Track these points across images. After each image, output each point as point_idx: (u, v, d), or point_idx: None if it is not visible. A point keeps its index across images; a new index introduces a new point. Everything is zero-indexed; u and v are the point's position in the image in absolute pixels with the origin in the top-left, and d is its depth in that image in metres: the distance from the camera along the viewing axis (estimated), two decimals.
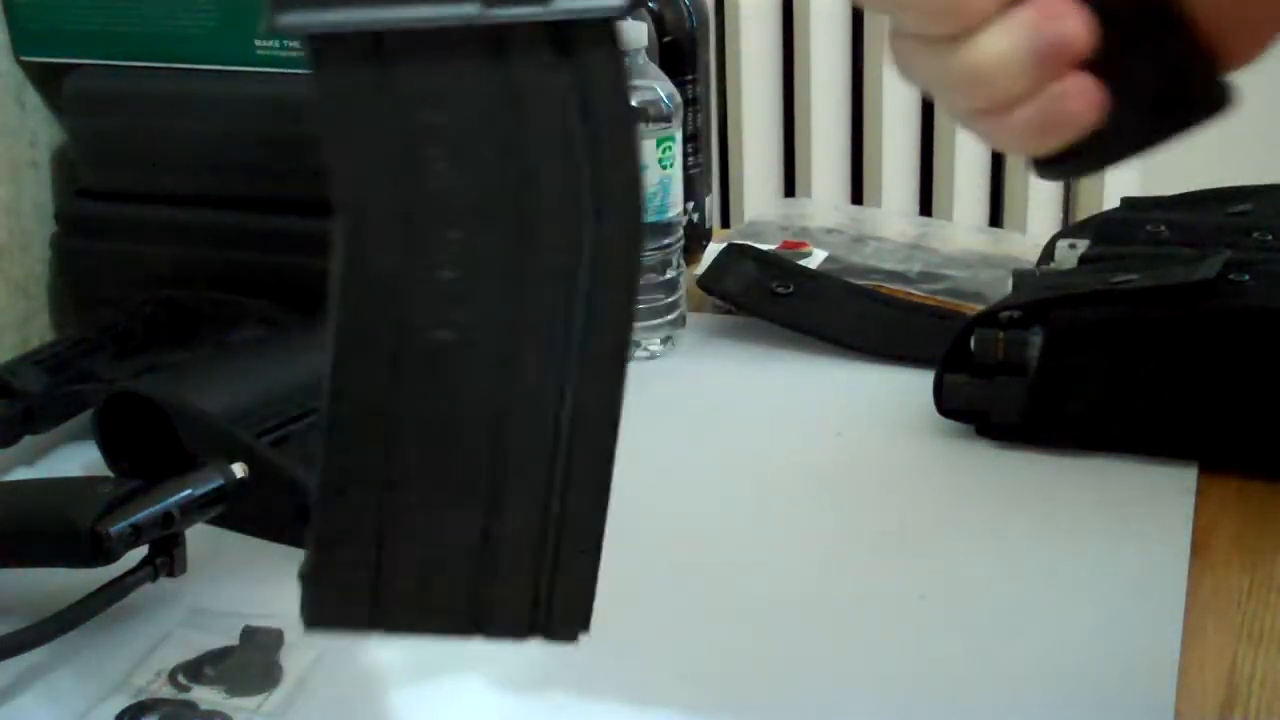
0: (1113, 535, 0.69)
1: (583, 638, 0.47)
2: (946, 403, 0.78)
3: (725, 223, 1.67)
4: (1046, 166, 0.48)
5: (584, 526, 0.47)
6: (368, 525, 0.45)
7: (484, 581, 0.46)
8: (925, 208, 1.75)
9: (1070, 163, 0.47)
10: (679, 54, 1.01)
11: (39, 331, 0.97)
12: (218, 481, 0.65)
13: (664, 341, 0.91)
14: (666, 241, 0.89)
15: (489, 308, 0.44)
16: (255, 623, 0.63)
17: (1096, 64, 0.44)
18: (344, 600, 0.46)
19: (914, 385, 0.82)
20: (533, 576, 0.46)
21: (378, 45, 0.41)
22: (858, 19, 1.71)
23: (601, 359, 0.49)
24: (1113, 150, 0.48)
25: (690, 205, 1.02)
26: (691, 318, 0.94)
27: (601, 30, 0.41)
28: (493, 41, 0.41)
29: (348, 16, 0.41)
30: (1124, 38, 0.44)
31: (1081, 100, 0.43)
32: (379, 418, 0.45)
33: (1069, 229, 0.91)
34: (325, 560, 0.46)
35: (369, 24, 0.41)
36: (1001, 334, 0.76)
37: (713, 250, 0.98)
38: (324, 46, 0.41)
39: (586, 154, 0.43)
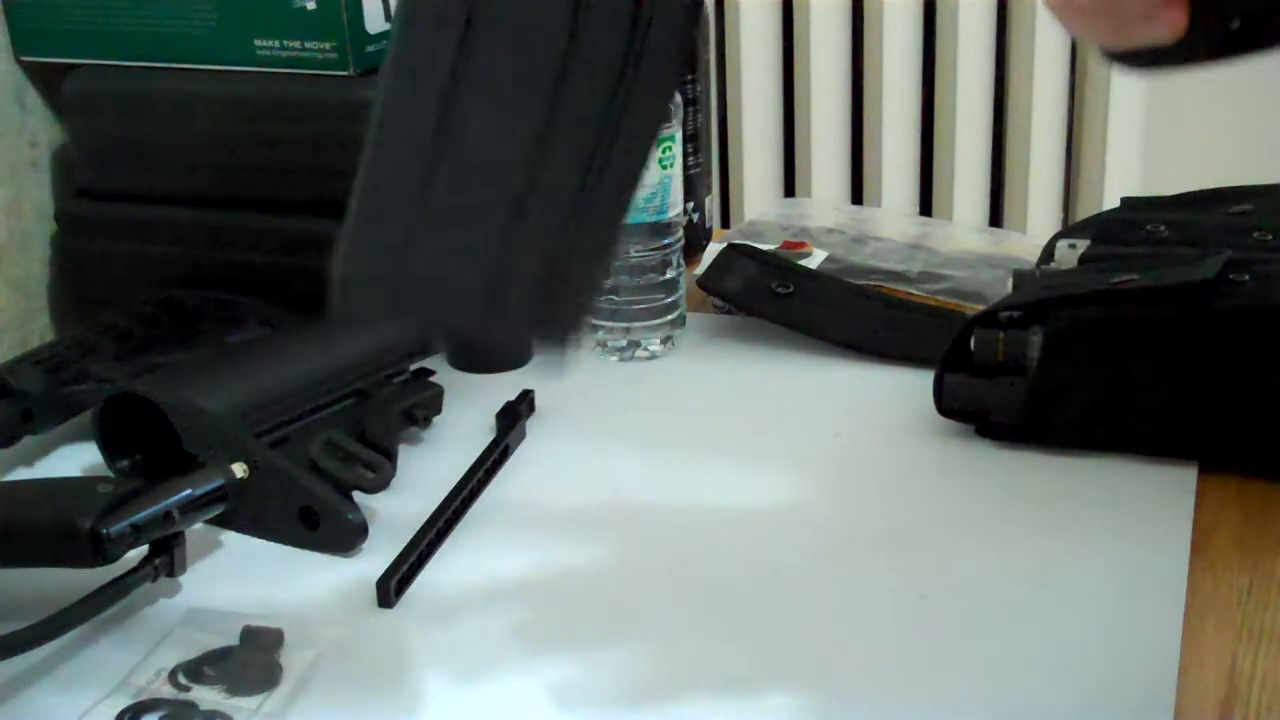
0: (1113, 535, 0.69)
1: (571, 343, 0.52)
2: (946, 403, 0.78)
3: (725, 223, 1.67)
4: (1125, 60, 0.53)
5: (592, 249, 0.52)
6: (401, 212, 0.51)
7: (499, 277, 0.51)
8: (925, 208, 1.75)
9: (1148, 61, 0.52)
10: None
11: (39, 331, 0.97)
12: (218, 481, 0.65)
13: (664, 341, 0.91)
14: (666, 241, 0.89)
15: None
16: (255, 623, 0.63)
17: None
18: (371, 289, 0.52)
19: (914, 385, 0.82)
20: (541, 281, 0.51)
21: None
22: (857, 19, 1.71)
23: (636, 128, 0.52)
24: (1191, 57, 0.53)
25: (690, 205, 1.02)
26: (691, 318, 0.94)
27: None
28: None
29: None
30: None
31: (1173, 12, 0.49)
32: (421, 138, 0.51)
33: (1069, 229, 0.91)
34: (358, 248, 0.52)
35: None
36: (1001, 334, 0.76)
37: (713, 250, 0.98)
38: None
39: None
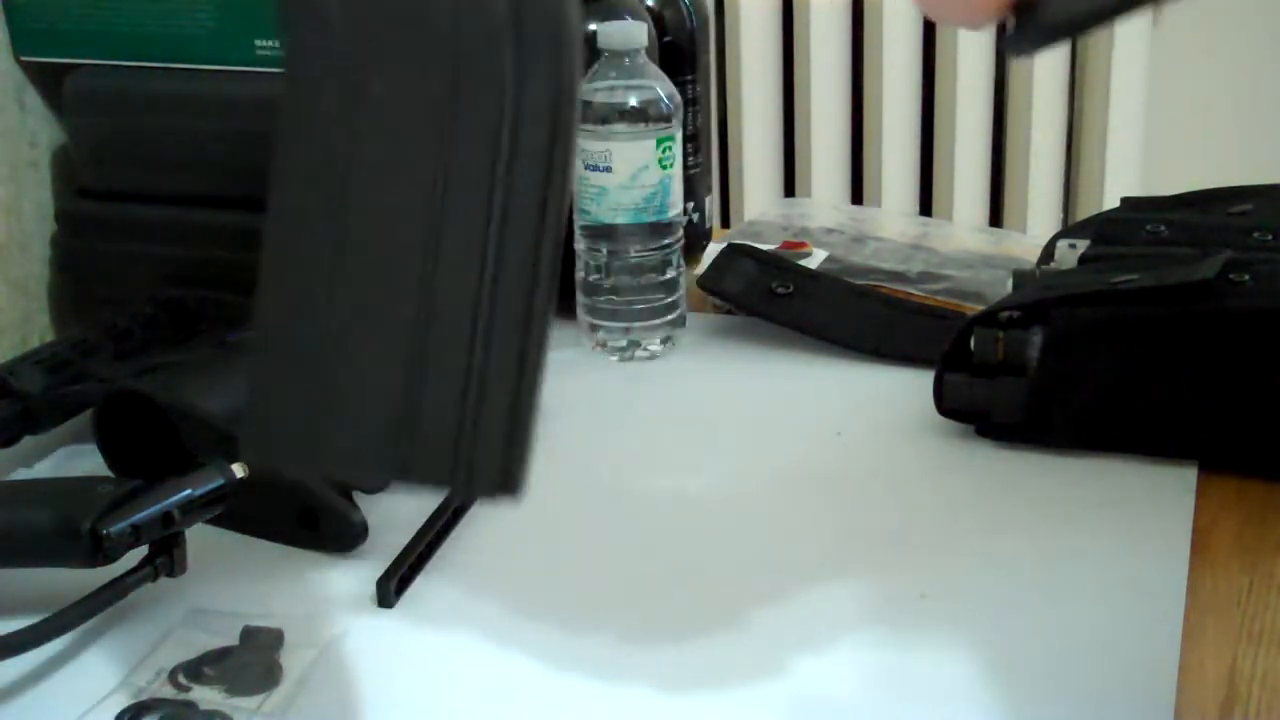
0: (1113, 535, 0.69)
1: (505, 502, 0.50)
2: (946, 403, 0.78)
3: (725, 223, 1.67)
4: (1013, 40, 0.52)
5: (503, 386, 0.48)
6: (305, 373, 0.49)
7: (409, 431, 0.49)
8: (925, 208, 1.75)
9: (1026, 33, 0.52)
10: (679, 54, 1.01)
11: (39, 331, 0.97)
12: (218, 481, 0.65)
13: (664, 341, 0.91)
14: (666, 241, 0.89)
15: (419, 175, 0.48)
16: (255, 623, 0.63)
17: None
18: (285, 440, 0.50)
19: (914, 385, 0.82)
20: (453, 432, 0.48)
21: None
22: (857, 19, 1.71)
23: (521, 219, 0.48)
24: (1066, 20, 0.53)
25: (690, 205, 1.02)
26: (691, 318, 0.94)
27: None
28: None
29: None
30: None
31: None
32: (316, 275, 0.49)
33: (1069, 229, 0.91)
34: (265, 401, 0.50)
35: None
36: (1001, 334, 0.76)
37: (713, 250, 0.98)
38: None
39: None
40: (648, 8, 0.99)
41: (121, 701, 0.59)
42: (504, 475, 0.49)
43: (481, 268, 0.47)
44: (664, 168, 0.88)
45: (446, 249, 0.48)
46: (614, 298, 0.89)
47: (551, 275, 0.47)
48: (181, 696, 0.59)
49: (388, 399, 0.49)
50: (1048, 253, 0.88)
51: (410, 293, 0.48)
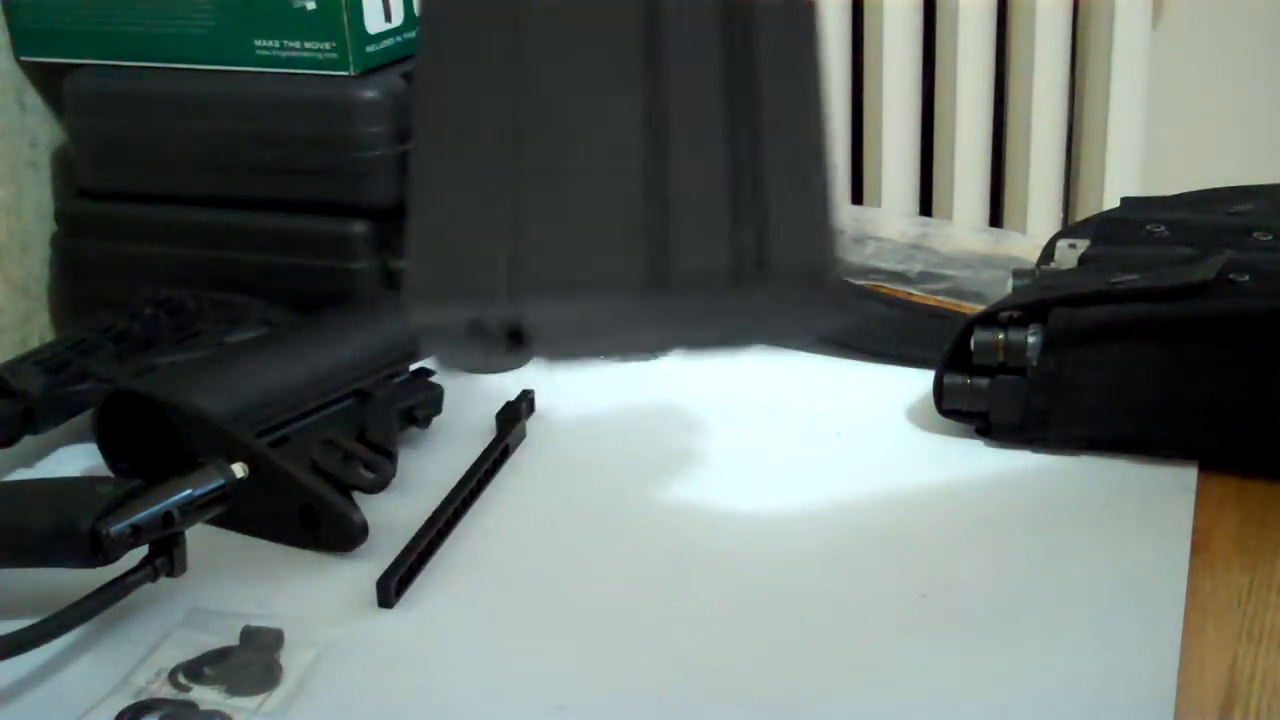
0: (1113, 535, 0.69)
1: (815, 297, 0.39)
2: (946, 403, 0.78)
3: None
4: None
5: (798, 147, 0.39)
6: (489, 173, 0.40)
7: (657, 224, 0.39)
8: (925, 208, 1.75)
9: None
10: None
11: (39, 331, 0.97)
12: (218, 481, 0.65)
13: None
14: None
15: None
16: (255, 623, 0.63)
17: None
18: (467, 263, 0.40)
19: (914, 385, 0.82)
20: (726, 213, 0.39)
21: None
22: (857, 19, 1.71)
23: None
24: None
25: None
26: None
27: None
28: None
29: None
30: None
31: None
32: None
33: (1069, 229, 0.91)
34: (434, 218, 0.40)
35: None
36: (1001, 334, 0.76)
37: None
38: None
39: None
40: None
41: (121, 701, 0.59)
42: (811, 260, 0.39)
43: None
44: None
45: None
46: None
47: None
48: (181, 696, 0.59)
49: (630, 196, 0.39)
50: (1048, 253, 0.88)
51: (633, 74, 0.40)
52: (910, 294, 0.97)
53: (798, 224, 0.39)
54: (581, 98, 0.40)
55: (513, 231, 0.39)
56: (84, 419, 0.78)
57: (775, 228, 0.38)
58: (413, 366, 0.82)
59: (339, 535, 0.69)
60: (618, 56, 0.40)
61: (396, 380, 0.80)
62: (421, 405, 0.79)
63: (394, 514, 0.71)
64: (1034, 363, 0.75)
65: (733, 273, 0.39)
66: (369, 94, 0.86)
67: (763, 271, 0.38)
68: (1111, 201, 1.49)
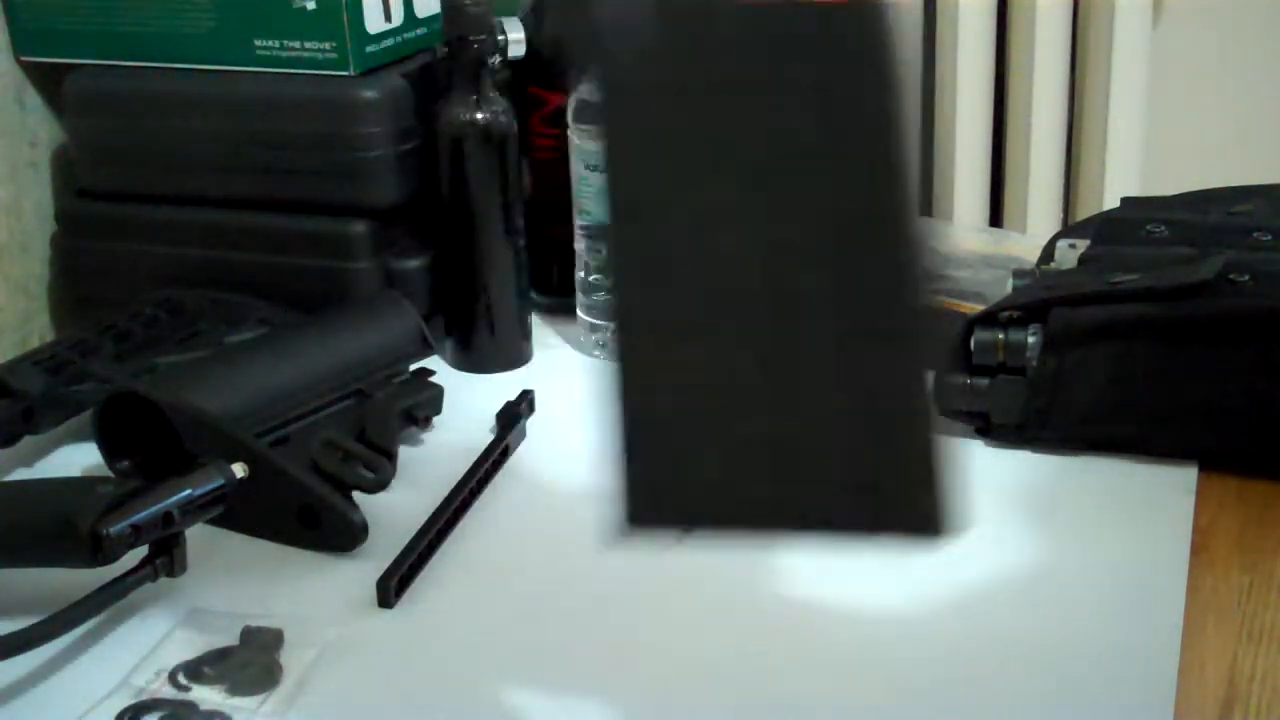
0: (1113, 535, 0.69)
1: (945, 535, 0.44)
2: (946, 403, 0.78)
3: None
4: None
5: (894, 395, 0.44)
6: (669, 421, 0.45)
7: (789, 467, 0.44)
8: (925, 208, 1.75)
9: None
10: None
11: (39, 331, 0.97)
12: (218, 481, 0.65)
13: None
14: None
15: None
16: (255, 623, 0.63)
17: None
18: (655, 500, 0.45)
19: None
20: (851, 456, 0.44)
21: None
22: None
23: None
24: None
25: None
26: None
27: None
28: None
29: None
30: None
31: None
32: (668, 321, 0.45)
33: (1069, 229, 0.91)
34: (634, 460, 0.45)
35: None
36: (1001, 334, 0.76)
37: None
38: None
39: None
40: None
41: (121, 701, 0.59)
42: (929, 509, 0.44)
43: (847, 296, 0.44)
44: None
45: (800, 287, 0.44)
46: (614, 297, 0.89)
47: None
48: (181, 696, 0.59)
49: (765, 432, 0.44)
50: (1048, 253, 0.88)
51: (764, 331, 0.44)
52: None
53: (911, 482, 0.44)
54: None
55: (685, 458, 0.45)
56: (84, 419, 0.78)
57: (901, 494, 0.44)
58: (413, 366, 0.82)
59: (339, 535, 0.69)
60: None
61: (396, 380, 0.80)
62: (421, 405, 0.79)
63: (394, 514, 0.71)
64: (1034, 363, 0.75)
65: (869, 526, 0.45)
66: (369, 94, 0.86)
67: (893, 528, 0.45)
68: (1111, 201, 1.49)
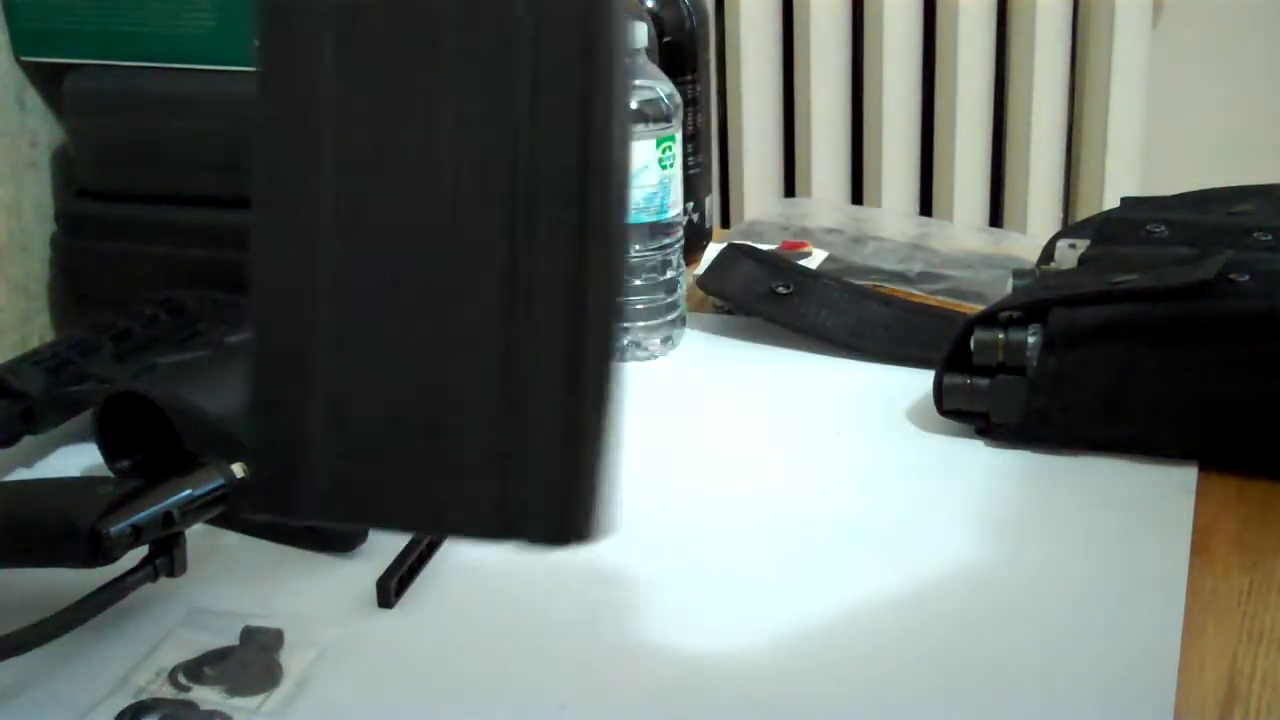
0: (1113, 535, 0.69)
1: (576, 545, 0.43)
2: (946, 403, 0.78)
3: (725, 223, 1.67)
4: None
5: (551, 413, 0.43)
6: (309, 403, 0.44)
7: (438, 474, 0.44)
8: (925, 208, 1.75)
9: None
10: (679, 54, 1.01)
11: (39, 331, 0.97)
12: (218, 481, 0.65)
13: (664, 341, 0.91)
14: (666, 241, 0.89)
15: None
16: (255, 623, 0.63)
17: None
18: (287, 487, 0.45)
19: (914, 385, 0.82)
20: (495, 472, 0.43)
21: None
22: (857, 19, 1.71)
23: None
24: None
25: (690, 205, 1.02)
26: (691, 318, 0.94)
27: None
28: None
29: None
30: None
31: None
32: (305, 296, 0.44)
33: (1069, 229, 0.91)
34: (266, 443, 0.45)
35: None
36: (1001, 334, 0.76)
37: (713, 250, 0.98)
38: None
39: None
40: (648, 8, 0.99)
41: (121, 701, 0.59)
42: (564, 518, 0.43)
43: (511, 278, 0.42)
44: (664, 168, 0.88)
45: (461, 267, 0.43)
46: None
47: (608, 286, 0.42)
48: (181, 696, 0.59)
49: (404, 436, 0.44)
50: (1048, 253, 0.88)
51: (426, 317, 0.43)
52: (910, 294, 0.97)
53: (560, 495, 0.43)
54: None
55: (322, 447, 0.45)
56: (84, 419, 0.78)
57: (537, 500, 0.43)
58: None
59: (339, 535, 0.69)
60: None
61: None
62: None
63: None
64: (1034, 363, 0.75)
65: (499, 532, 0.44)
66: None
67: (524, 536, 0.44)
68: (1111, 201, 1.49)
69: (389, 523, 0.46)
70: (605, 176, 0.42)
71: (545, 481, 0.43)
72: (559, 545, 0.44)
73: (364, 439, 0.44)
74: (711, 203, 1.09)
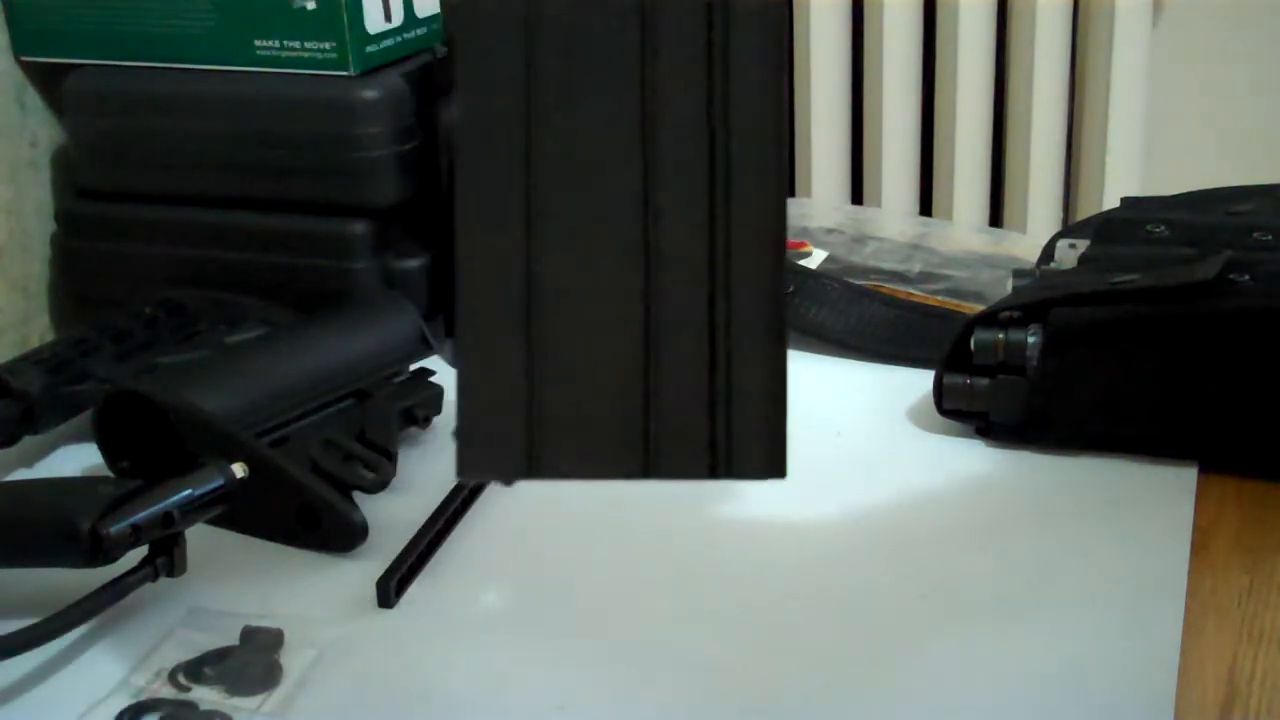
0: (1113, 535, 0.69)
1: (775, 481, 0.46)
2: (946, 403, 0.78)
3: None
4: None
5: (755, 354, 0.46)
6: (514, 364, 0.46)
7: (648, 418, 0.46)
8: (925, 208, 1.75)
9: None
10: None
11: (39, 331, 0.97)
12: (218, 481, 0.65)
13: None
14: None
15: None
16: (255, 623, 0.63)
17: None
18: (496, 448, 0.46)
19: (914, 385, 0.82)
20: (704, 412, 0.45)
21: None
22: (857, 19, 1.71)
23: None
24: None
25: None
26: None
27: None
28: None
29: None
30: None
31: None
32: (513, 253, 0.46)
33: (1069, 229, 0.91)
34: (473, 406, 0.46)
35: None
36: (1001, 334, 0.76)
37: None
38: None
39: None
40: None
41: (121, 701, 0.59)
42: (774, 452, 0.46)
43: (710, 242, 0.45)
44: None
45: (666, 228, 0.45)
46: None
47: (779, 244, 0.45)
48: (181, 696, 0.59)
49: (620, 387, 0.46)
50: (1048, 253, 0.88)
51: (633, 273, 0.45)
52: (910, 294, 0.97)
53: (758, 428, 0.46)
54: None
55: (527, 407, 0.46)
56: (84, 419, 0.78)
57: (740, 435, 0.46)
58: (413, 366, 0.82)
59: (339, 535, 0.69)
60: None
61: (396, 380, 0.80)
62: (421, 405, 0.79)
63: (394, 514, 0.71)
64: (1034, 363, 0.75)
65: (710, 472, 0.47)
66: (369, 94, 0.86)
67: (735, 473, 0.46)
68: (1111, 201, 1.49)
69: (599, 474, 0.47)
70: (782, 144, 0.46)
71: (753, 417, 0.46)
72: (772, 477, 0.46)
73: (573, 398, 0.46)
74: None
